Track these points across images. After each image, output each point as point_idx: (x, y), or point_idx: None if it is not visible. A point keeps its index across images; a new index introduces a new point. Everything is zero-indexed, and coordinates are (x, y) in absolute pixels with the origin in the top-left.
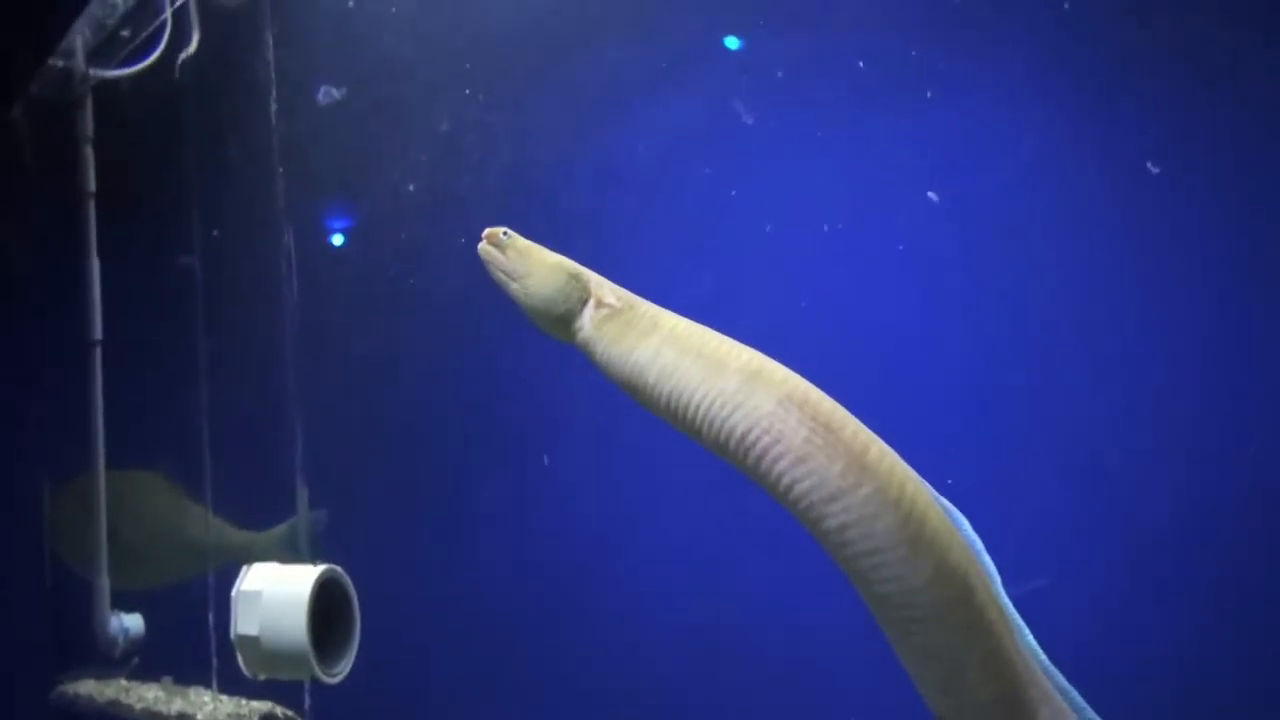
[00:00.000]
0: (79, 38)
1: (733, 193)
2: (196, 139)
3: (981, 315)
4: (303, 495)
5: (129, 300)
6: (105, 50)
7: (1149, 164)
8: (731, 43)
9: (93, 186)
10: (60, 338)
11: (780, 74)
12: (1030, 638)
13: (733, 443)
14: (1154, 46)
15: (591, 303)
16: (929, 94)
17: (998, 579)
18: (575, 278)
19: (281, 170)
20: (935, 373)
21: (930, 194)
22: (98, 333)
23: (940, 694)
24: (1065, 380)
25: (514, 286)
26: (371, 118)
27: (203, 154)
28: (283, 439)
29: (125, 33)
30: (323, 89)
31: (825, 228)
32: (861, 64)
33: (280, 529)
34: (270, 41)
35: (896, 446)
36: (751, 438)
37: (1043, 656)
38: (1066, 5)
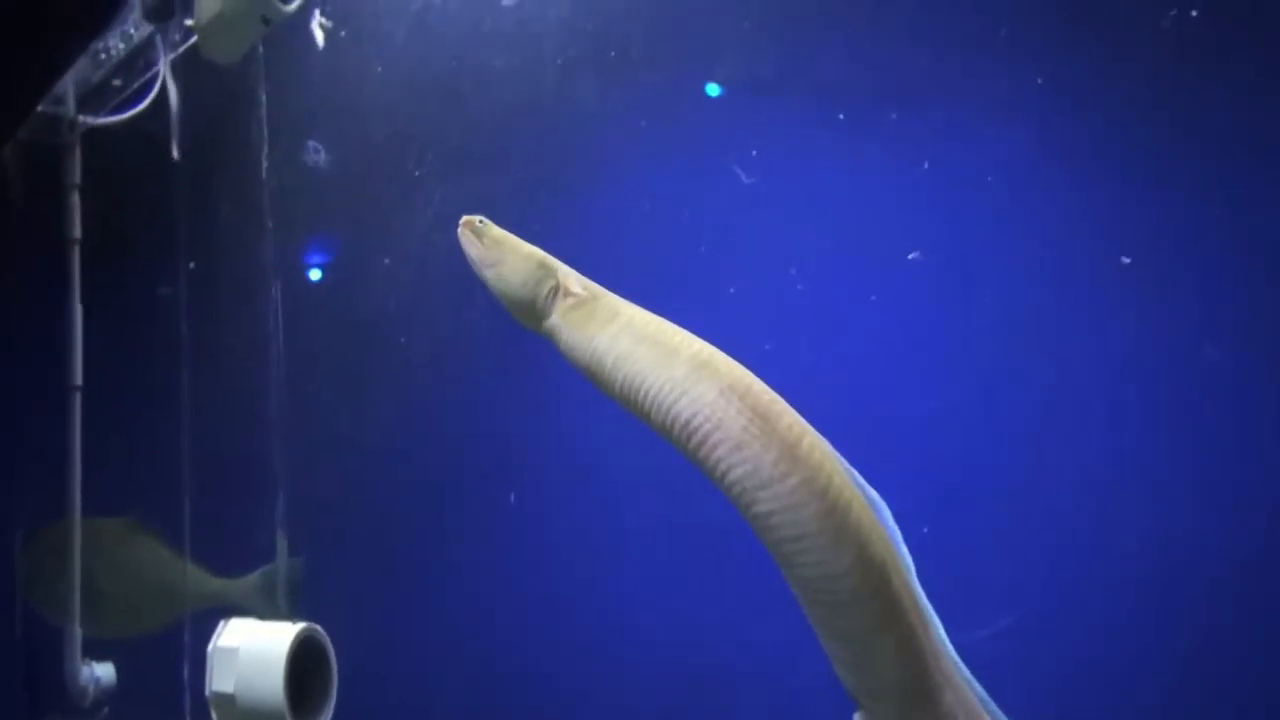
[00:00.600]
0: (70, 85)
1: (702, 249)
2: (185, 189)
3: (953, 361)
4: (282, 543)
5: (111, 346)
6: (95, 98)
7: (1123, 258)
8: (713, 90)
9: (78, 233)
10: (41, 382)
11: (759, 125)
12: (941, 630)
13: (677, 427)
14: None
15: (560, 291)
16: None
17: (913, 570)
18: (545, 267)
19: (271, 225)
20: (904, 419)
21: (911, 255)
22: (78, 378)
23: (852, 672)
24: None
25: (488, 273)
26: (360, 172)
27: (191, 203)
28: (263, 486)
29: (117, 82)
30: (311, 145)
31: (793, 270)
32: (842, 116)
33: (255, 576)
34: (263, 99)
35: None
36: (695, 424)
37: (951, 649)
38: (1040, 80)
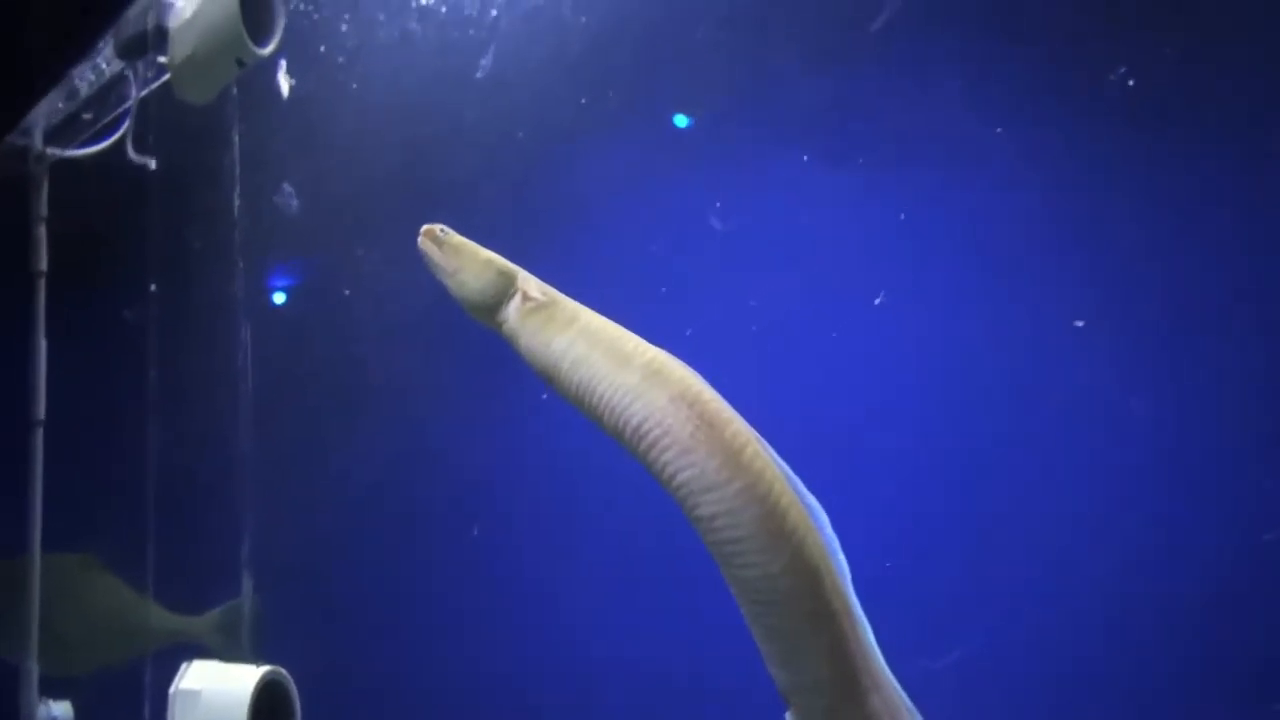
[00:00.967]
0: (40, 117)
1: (663, 289)
2: (156, 224)
3: (914, 396)
4: (247, 581)
5: (75, 378)
6: (64, 130)
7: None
8: (680, 120)
9: (44, 265)
10: (3, 415)
11: (728, 164)
12: (871, 636)
13: (628, 431)
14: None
15: (518, 296)
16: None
17: (848, 576)
18: (503, 273)
19: (241, 264)
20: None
21: (877, 299)
22: (41, 413)
23: (784, 670)
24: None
25: (448, 280)
26: (331, 211)
27: (161, 238)
28: (228, 522)
29: (87, 115)
30: (285, 189)
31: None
32: (805, 158)
33: (217, 613)
34: (236, 139)
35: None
36: (645, 428)
37: (879, 656)
38: (999, 130)
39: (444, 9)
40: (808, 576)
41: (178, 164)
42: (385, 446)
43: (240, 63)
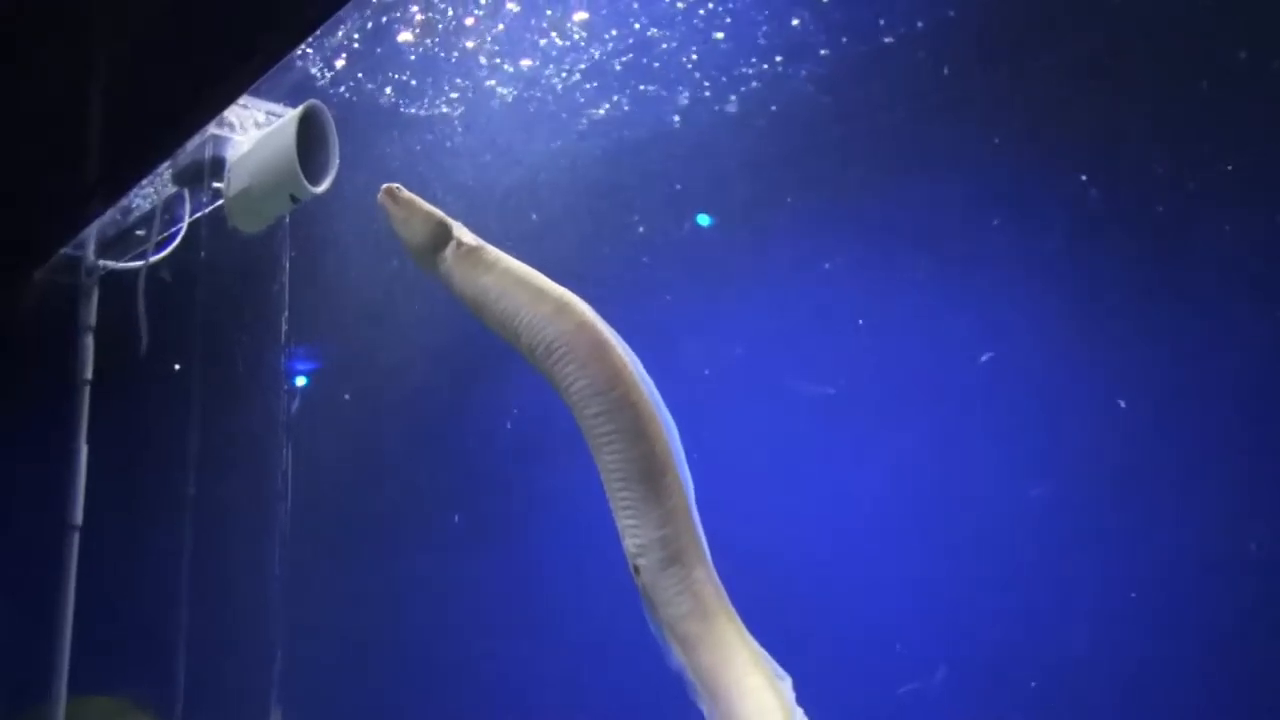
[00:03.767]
0: (93, 230)
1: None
2: (200, 340)
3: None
4: (276, 714)
5: (112, 488)
6: (117, 244)
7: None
8: (703, 220)
9: (89, 374)
10: (38, 522)
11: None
12: (702, 534)
13: (540, 349)
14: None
15: (454, 243)
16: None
17: (691, 489)
18: (442, 223)
19: (286, 386)
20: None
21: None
22: (78, 517)
23: (631, 535)
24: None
25: (399, 227)
26: (376, 346)
27: (206, 355)
28: (261, 654)
29: (140, 232)
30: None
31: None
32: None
33: None
34: (286, 264)
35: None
36: (554, 346)
37: (707, 550)
38: (996, 222)
39: (484, 115)
40: (660, 461)
41: (224, 282)
42: (409, 575)
43: (294, 198)
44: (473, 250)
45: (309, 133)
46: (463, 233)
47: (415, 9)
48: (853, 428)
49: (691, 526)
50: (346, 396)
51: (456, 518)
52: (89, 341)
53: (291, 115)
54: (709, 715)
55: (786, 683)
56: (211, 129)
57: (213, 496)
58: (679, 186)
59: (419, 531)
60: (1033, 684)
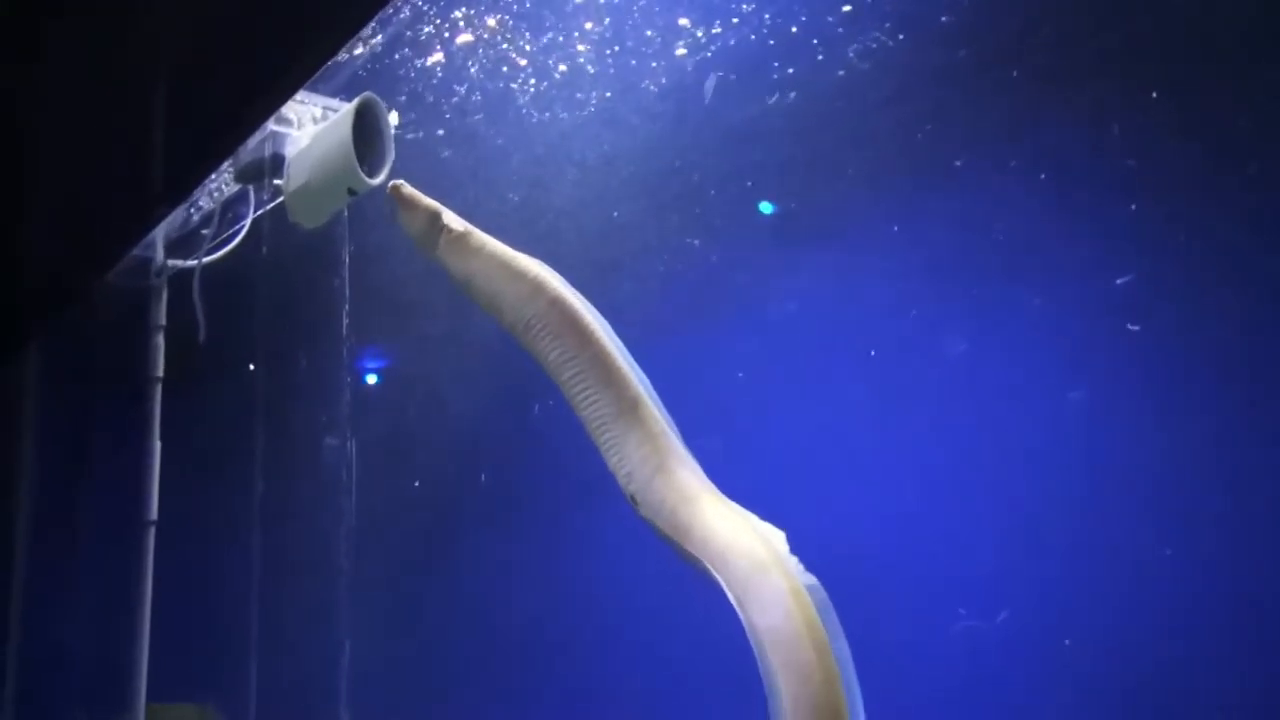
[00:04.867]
0: (160, 232)
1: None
2: (264, 336)
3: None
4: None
5: (184, 487)
6: (183, 244)
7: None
8: (766, 207)
9: (160, 372)
10: (117, 516)
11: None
12: (677, 439)
13: (520, 325)
14: None
15: (445, 230)
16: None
17: (670, 421)
18: (436, 215)
19: (349, 379)
20: None
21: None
22: (154, 513)
23: (619, 467)
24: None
25: (402, 221)
26: (437, 341)
27: (269, 350)
28: (328, 654)
29: (205, 231)
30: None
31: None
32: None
33: None
34: (346, 258)
35: None
36: (532, 321)
37: (686, 452)
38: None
39: (534, 120)
40: (631, 398)
41: (286, 278)
42: (475, 573)
43: (352, 191)
44: (460, 236)
45: (365, 126)
46: (451, 220)
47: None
48: (917, 412)
49: (671, 445)
50: (407, 391)
51: (515, 511)
52: (160, 340)
53: (347, 109)
54: (725, 590)
55: (780, 535)
56: (270, 125)
57: (279, 492)
58: (742, 173)
59: (482, 526)
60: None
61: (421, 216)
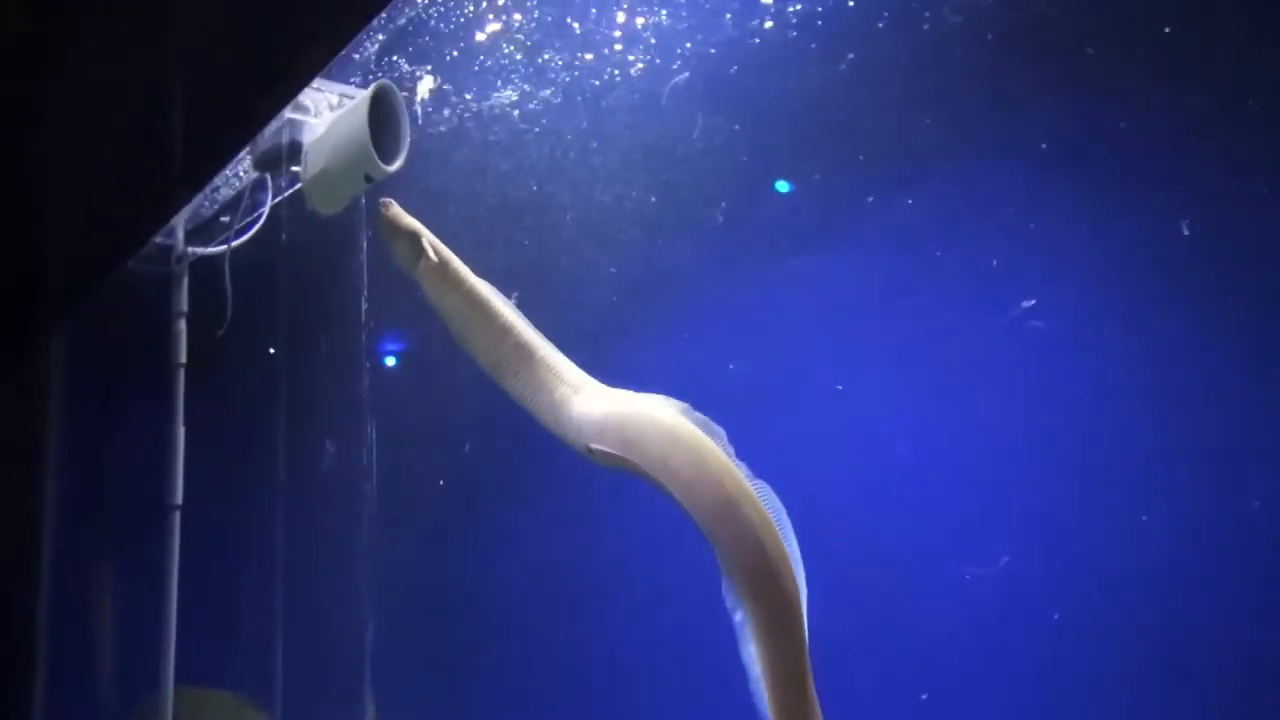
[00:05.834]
0: (181, 219)
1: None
2: (286, 321)
3: None
4: (371, 707)
5: (208, 471)
6: (204, 231)
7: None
8: (782, 186)
9: (184, 358)
10: (142, 501)
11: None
12: (569, 367)
13: (489, 367)
14: None
15: (424, 257)
16: None
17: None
18: (417, 239)
19: (368, 364)
20: None
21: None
22: (179, 498)
23: (544, 419)
24: None
25: (385, 238)
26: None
27: (290, 336)
28: (352, 635)
29: (225, 218)
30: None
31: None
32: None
33: None
34: (364, 244)
35: None
36: (500, 367)
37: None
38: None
39: (544, 119)
40: (526, 346)
41: (306, 264)
42: (499, 548)
43: (369, 178)
44: (438, 267)
45: (380, 113)
46: (430, 248)
47: None
48: (939, 388)
49: (571, 376)
50: (426, 374)
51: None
52: (182, 326)
53: (363, 96)
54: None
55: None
56: (288, 113)
57: (301, 476)
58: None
59: (504, 508)
60: None
61: (403, 239)
